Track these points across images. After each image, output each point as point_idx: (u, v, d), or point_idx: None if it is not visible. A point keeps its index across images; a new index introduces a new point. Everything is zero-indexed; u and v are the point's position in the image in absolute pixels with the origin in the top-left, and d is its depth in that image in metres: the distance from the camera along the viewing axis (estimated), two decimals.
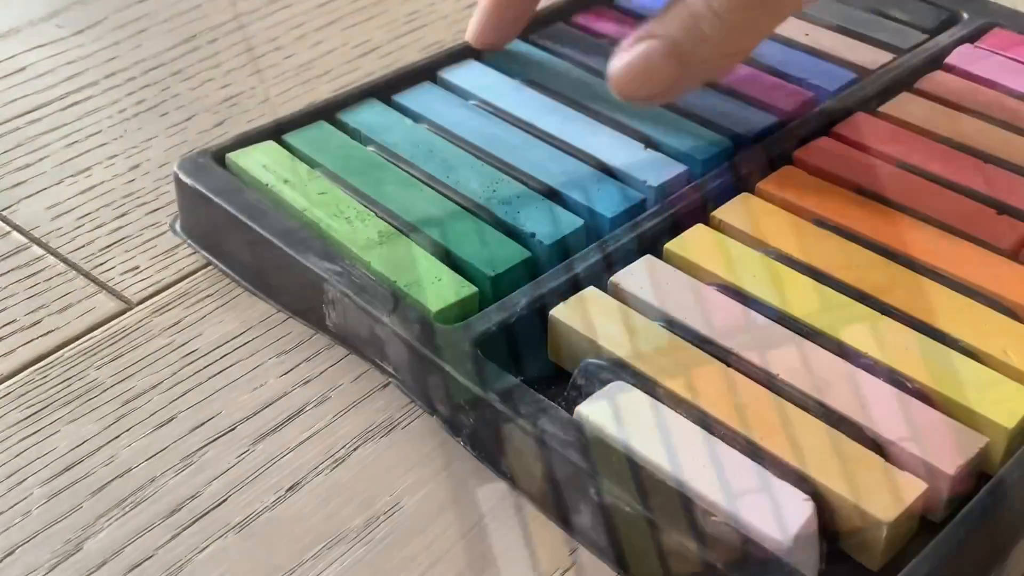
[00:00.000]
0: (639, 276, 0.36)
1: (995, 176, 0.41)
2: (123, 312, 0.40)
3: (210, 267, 0.41)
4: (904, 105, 0.45)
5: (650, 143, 0.43)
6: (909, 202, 0.40)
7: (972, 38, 0.50)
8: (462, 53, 0.48)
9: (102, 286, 0.41)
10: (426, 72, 0.47)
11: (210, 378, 0.37)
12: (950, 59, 0.48)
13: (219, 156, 0.42)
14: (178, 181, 0.41)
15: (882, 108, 0.45)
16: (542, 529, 0.32)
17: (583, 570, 0.31)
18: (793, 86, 0.47)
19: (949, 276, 0.36)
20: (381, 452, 0.34)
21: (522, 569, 0.31)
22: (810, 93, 0.46)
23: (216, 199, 0.40)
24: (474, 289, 0.36)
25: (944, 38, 0.50)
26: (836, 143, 0.43)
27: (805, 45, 0.50)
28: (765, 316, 0.35)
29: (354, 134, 0.44)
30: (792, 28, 0.51)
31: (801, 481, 0.29)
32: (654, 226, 0.38)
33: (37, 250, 0.42)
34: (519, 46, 0.49)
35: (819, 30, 0.51)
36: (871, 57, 0.49)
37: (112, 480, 0.33)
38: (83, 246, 0.43)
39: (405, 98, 0.46)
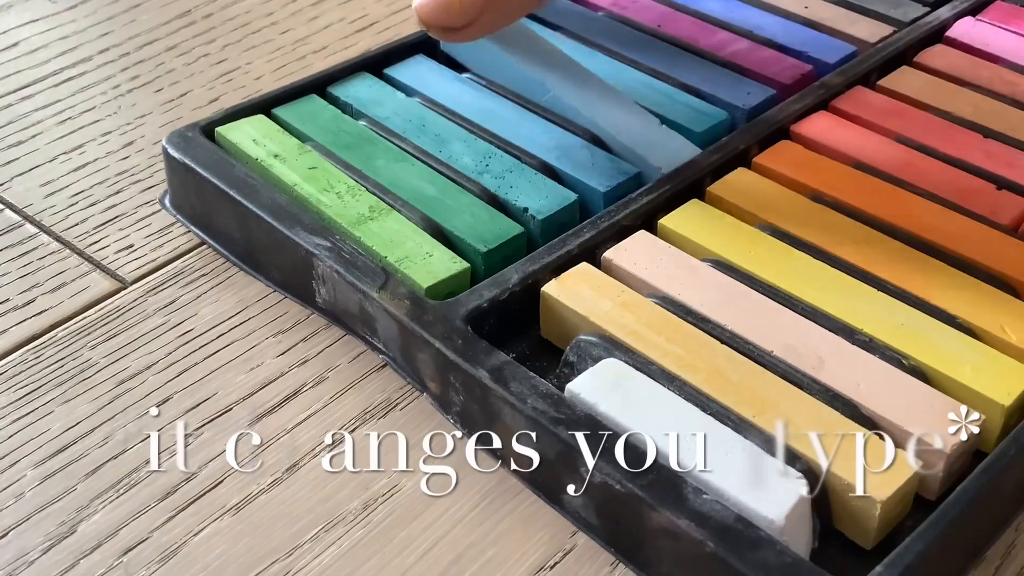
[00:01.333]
0: (633, 252, 0.36)
1: (996, 151, 0.41)
2: (117, 291, 0.39)
3: (204, 245, 0.41)
4: (904, 79, 0.45)
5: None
6: (908, 177, 0.39)
7: (974, 11, 0.49)
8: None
9: (96, 265, 0.41)
10: (419, 46, 0.47)
11: (205, 358, 0.37)
12: (951, 32, 0.48)
13: (208, 130, 0.41)
14: (167, 155, 0.41)
15: (882, 82, 0.45)
16: (541, 511, 0.32)
17: (582, 553, 0.31)
18: (792, 59, 0.46)
19: (947, 252, 0.36)
20: (379, 433, 0.34)
21: (522, 552, 0.31)
22: (809, 66, 0.46)
23: (205, 173, 0.39)
24: (465, 265, 0.36)
25: (945, 11, 0.49)
26: (835, 117, 0.43)
27: (804, 18, 0.49)
28: (759, 292, 0.34)
29: (345, 108, 0.43)
30: (791, 1, 0.50)
31: (794, 459, 0.29)
32: (649, 201, 0.38)
33: (30, 228, 0.42)
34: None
35: (819, 3, 0.50)
36: (871, 30, 0.48)
37: (106, 461, 0.33)
38: (77, 224, 0.42)
39: (397, 71, 0.45)
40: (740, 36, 0.48)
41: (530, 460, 0.32)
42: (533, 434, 0.31)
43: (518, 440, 0.32)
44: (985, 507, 0.29)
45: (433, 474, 0.33)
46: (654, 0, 0.50)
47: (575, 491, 0.30)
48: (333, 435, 0.34)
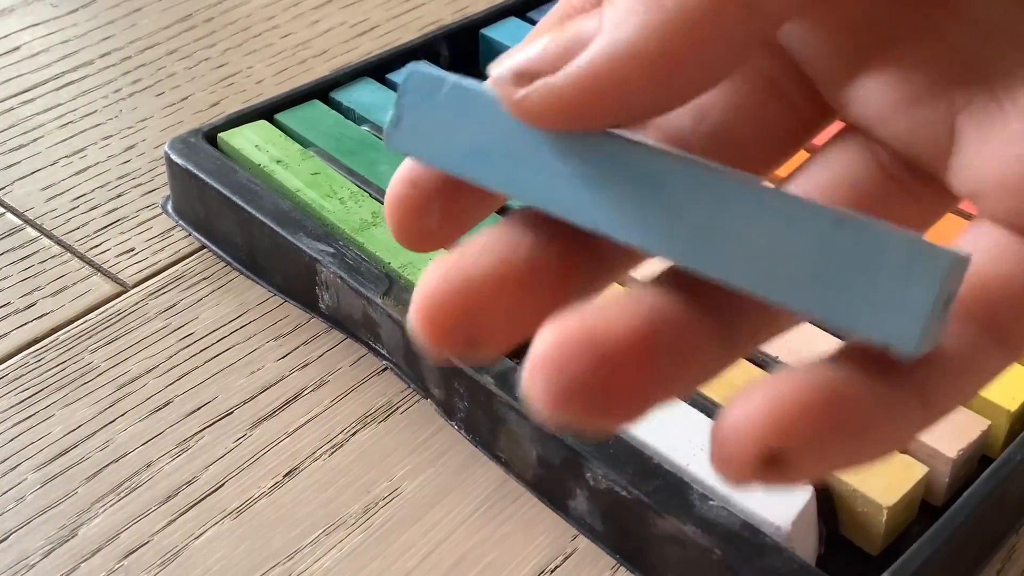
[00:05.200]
0: None
1: None
2: (118, 295, 0.39)
3: (205, 250, 0.41)
4: None
5: None
6: None
7: None
8: (461, 32, 0.48)
9: (97, 268, 0.40)
10: (422, 51, 0.46)
11: (206, 362, 0.37)
12: None
13: (211, 136, 0.41)
14: (169, 161, 0.41)
15: None
16: (542, 516, 0.32)
17: (583, 556, 0.31)
18: None
19: None
20: (380, 437, 0.34)
21: (523, 555, 0.31)
22: None
23: (207, 179, 0.39)
24: None
25: None
26: None
27: None
28: None
29: (348, 113, 0.43)
30: None
31: None
32: None
33: (31, 232, 0.42)
34: (519, 26, 0.48)
35: None
36: None
37: (107, 465, 0.33)
38: (78, 228, 0.42)
39: (399, 77, 0.45)
40: None
41: (533, 465, 0.32)
42: (538, 439, 0.31)
43: (522, 445, 0.32)
44: (991, 512, 0.29)
45: (434, 478, 0.33)
46: None
47: (580, 497, 0.30)
48: (334, 438, 0.34)
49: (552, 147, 0.15)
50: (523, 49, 0.15)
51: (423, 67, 0.16)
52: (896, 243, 0.13)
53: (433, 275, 0.15)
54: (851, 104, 0.17)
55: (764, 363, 0.32)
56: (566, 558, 0.31)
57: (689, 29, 0.14)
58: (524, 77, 0.14)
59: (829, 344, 0.33)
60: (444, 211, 0.16)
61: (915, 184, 0.17)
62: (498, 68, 0.15)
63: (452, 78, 0.16)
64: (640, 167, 0.14)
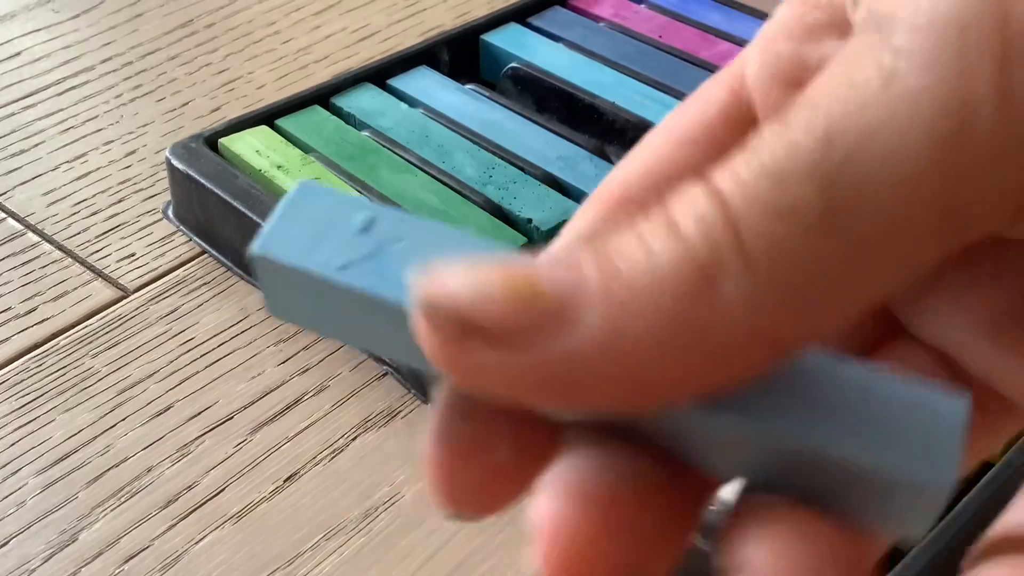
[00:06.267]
0: None
1: None
2: (119, 300, 0.39)
3: (206, 255, 0.41)
4: None
5: (648, 126, 0.42)
6: None
7: None
8: (461, 37, 0.48)
9: (98, 273, 0.41)
10: (422, 57, 0.47)
11: (207, 367, 0.37)
12: None
13: (212, 141, 0.41)
14: (170, 166, 0.41)
15: None
16: None
17: None
18: None
19: None
20: (380, 442, 0.34)
21: (522, 561, 0.31)
22: None
23: (208, 184, 0.39)
24: None
25: None
26: None
27: None
28: None
29: (348, 119, 0.43)
30: None
31: None
32: None
33: (32, 237, 0.42)
34: (519, 32, 0.48)
35: None
36: None
37: (108, 470, 0.33)
38: (79, 233, 0.42)
39: (400, 82, 0.45)
40: (741, 47, 0.48)
41: None
42: None
43: None
44: (991, 516, 0.29)
45: None
46: (655, 11, 0.50)
47: None
48: (334, 443, 0.34)
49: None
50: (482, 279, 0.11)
51: (265, 245, 0.14)
52: (915, 392, 0.13)
53: (562, 503, 0.11)
54: (925, 325, 0.15)
55: None
56: None
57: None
58: (473, 331, 0.11)
59: None
60: (516, 439, 0.12)
61: (992, 403, 0.15)
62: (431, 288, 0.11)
63: (296, 264, 0.13)
64: None
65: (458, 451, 0.12)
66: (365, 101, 0.44)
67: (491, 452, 0.12)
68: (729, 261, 0.11)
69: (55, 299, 0.39)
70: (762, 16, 0.50)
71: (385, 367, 0.36)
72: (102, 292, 0.40)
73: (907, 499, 0.13)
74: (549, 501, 0.11)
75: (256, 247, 0.14)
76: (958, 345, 0.15)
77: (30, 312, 0.39)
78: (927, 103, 0.11)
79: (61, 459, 0.34)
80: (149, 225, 0.43)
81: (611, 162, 0.41)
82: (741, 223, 0.11)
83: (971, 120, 0.11)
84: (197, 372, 0.36)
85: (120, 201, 0.44)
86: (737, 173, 0.11)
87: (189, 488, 0.33)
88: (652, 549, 0.12)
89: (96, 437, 0.34)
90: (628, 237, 0.11)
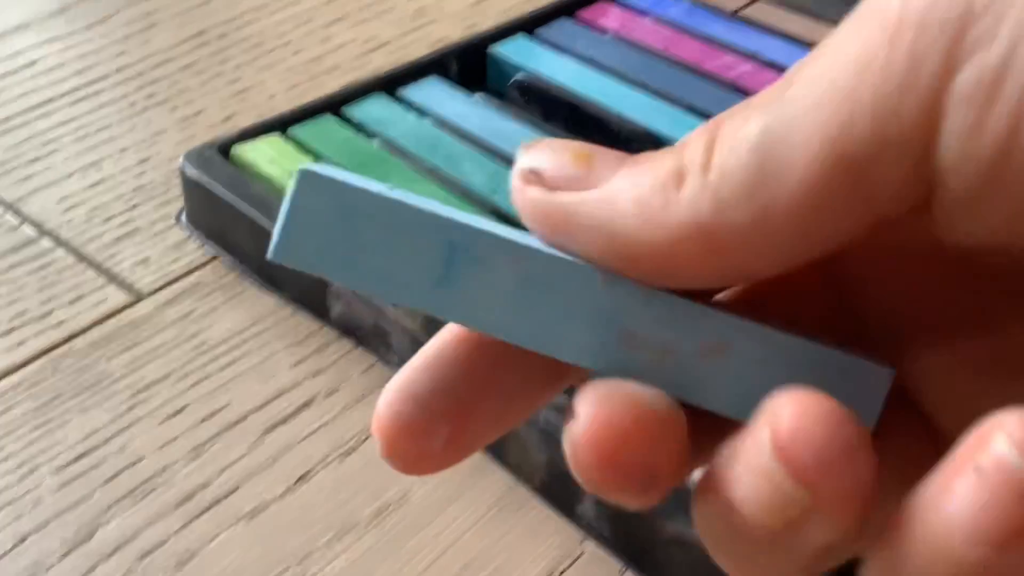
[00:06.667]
0: None
1: None
2: (133, 304, 0.40)
3: (219, 260, 0.42)
4: None
5: (653, 137, 0.43)
6: None
7: None
8: (469, 48, 0.49)
9: (112, 278, 0.41)
10: (432, 67, 0.47)
11: (220, 369, 0.37)
12: None
13: (225, 149, 0.42)
14: (184, 174, 0.42)
15: None
16: (550, 520, 0.32)
17: (590, 561, 0.31)
18: None
19: None
20: None
21: (530, 559, 0.31)
22: None
23: (222, 192, 0.40)
24: None
25: None
26: None
27: (808, 41, 0.50)
28: None
29: (359, 128, 0.44)
30: (795, 25, 0.51)
31: None
32: None
33: (48, 242, 0.43)
34: (527, 43, 0.49)
35: (822, 26, 0.51)
36: None
37: (123, 469, 0.34)
38: (94, 238, 0.43)
39: (411, 92, 0.46)
40: (745, 59, 0.48)
41: (542, 471, 0.32)
42: (546, 446, 0.32)
43: (531, 452, 0.32)
44: None
45: (443, 483, 0.33)
46: (661, 24, 0.51)
47: (587, 502, 0.31)
48: (345, 444, 0.35)
49: (475, 261, 0.14)
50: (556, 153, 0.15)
51: (317, 168, 0.14)
52: (843, 361, 0.15)
53: (604, 408, 0.14)
54: (907, 376, 0.16)
55: None
56: (573, 562, 0.31)
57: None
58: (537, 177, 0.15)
59: None
60: (452, 435, 0.15)
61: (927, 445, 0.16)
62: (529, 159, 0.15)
63: (349, 182, 0.14)
64: (566, 281, 0.15)
65: (401, 426, 0.15)
66: (376, 110, 0.45)
67: (429, 439, 0.15)
68: (694, 167, 0.14)
69: (71, 303, 0.40)
70: (766, 29, 0.51)
71: (395, 371, 0.37)
72: (117, 296, 0.40)
73: None
74: (590, 407, 0.14)
75: (308, 168, 0.14)
76: (932, 404, 0.16)
77: (46, 315, 0.40)
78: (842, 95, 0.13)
79: (77, 458, 0.34)
80: (163, 231, 0.43)
81: None
82: (715, 145, 0.14)
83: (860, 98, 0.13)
84: (210, 374, 0.37)
85: (134, 207, 0.45)
86: (735, 115, 0.14)
87: (203, 487, 0.33)
88: (671, 462, 0.14)
89: (112, 437, 0.35)
90: (655, 155, 0.15)
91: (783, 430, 0.13)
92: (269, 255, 0.14)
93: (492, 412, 0.16)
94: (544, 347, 0.15)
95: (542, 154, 0.15)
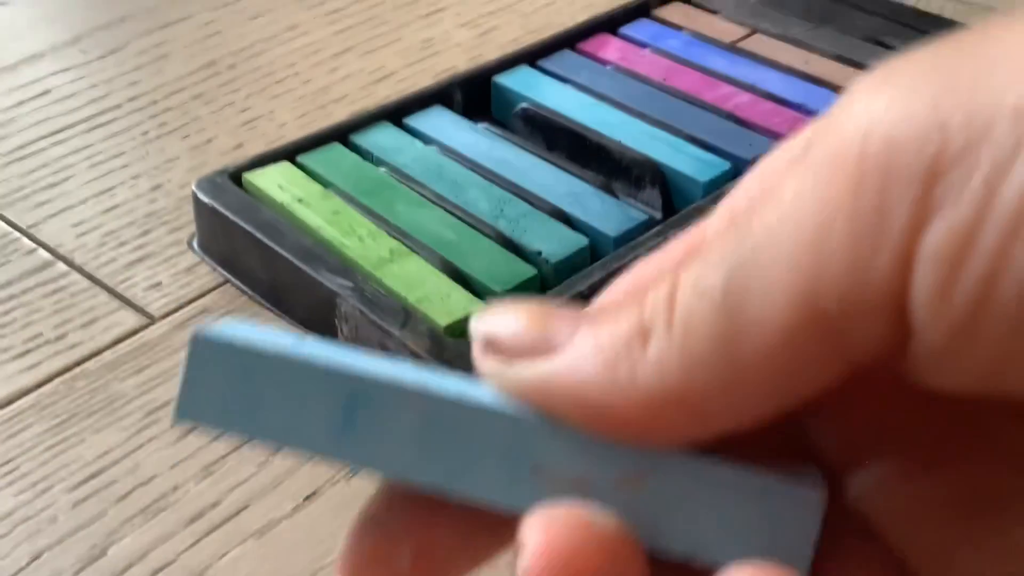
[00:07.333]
0: None
1: None
2: (146, 326, 0.41)
3: (229, 284, 0.43)
4: None
5: (653, 165, 0.44)
6: None
7: None
8: (473, 79, 0.50)
9: (125, 302, 0.42)
10: (437, 97, 0.49)
11: None
12: None
13: (236, 176, 0.43)
14: (196, 200, 0.43)
15: None
16: None
17: None
18: (792, 112, 0.48)
19: None
20: None
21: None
22: (809, 119, 0.47)
23: (233, 217, 0.41)
24: (483, 305, 0.38)
25: None
26: None
27: (804, 73, 0.51)
28: None
29: (367, 155, 0.45)
30: (792, 56, 0.52)
31: None
32: (657, 245, 0.40)
33: (62, 267, 0.44)
34: (530, 74, 0.50)
35: (818, 59, 0.52)
36: None
37: (136, 488, 0.35)
38: (107, 263, 0.44)
39: (416, 121, 0.47)
40: (743, 89, 0.50)
41: None
42: None
43: None
44: None
45: None
46: (660, 55, 0.53)
47: None
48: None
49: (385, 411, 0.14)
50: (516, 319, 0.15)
51: (208, 329, 0.15)
52: (771, 489, 0.14)
53: (551, 533, 0.14)
54: (871, 509, 0.16)
55: None
56: None
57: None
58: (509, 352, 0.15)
59: None
60: (418, 552, 0.15)
61: None
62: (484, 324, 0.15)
63: (241, 343, 0.14)
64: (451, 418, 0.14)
65: (364, 552, 0.15)
66: (382, 138, 0.46)
67: (393, 561, 0.15)
68: (658, 324, 0.14)
69: (84, 326, 0.41)
70: (762, 61, 0.52)
71: None
72: (129, 319, 0.42)
73: None
74: (537, 534, 0.14)
75: (200, 333, 0.14)
76: (881, 522, 0.15)
77: (60, 338, 0.41)
78: (810, 224, 0.13)
79: (91, 477, 0.35)
80: (175, 256, 0.44)
81: (617, 198, 0.43)
82: (677, 298, 0.14)
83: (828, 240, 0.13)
84: None
85: (146, 233, 0.46)
86: (692, 263, 0.14)
87: (213, 506, 0.34)
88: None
89: (124, 457, 0.36)
90: (613, 310, 0.14)
91: None
92: (172, 419, 0.15)
93: (456, 532, 0.15)
94: (452, 489, 0.14)
95: (497, 321, 0.15)
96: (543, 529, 0.14)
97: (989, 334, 0.12)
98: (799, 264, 0.13)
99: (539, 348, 0.14)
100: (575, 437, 0.14)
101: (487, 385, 0.15)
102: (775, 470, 0.14)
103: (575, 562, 0.13)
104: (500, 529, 0.15)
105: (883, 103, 0.12)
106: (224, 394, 0.14)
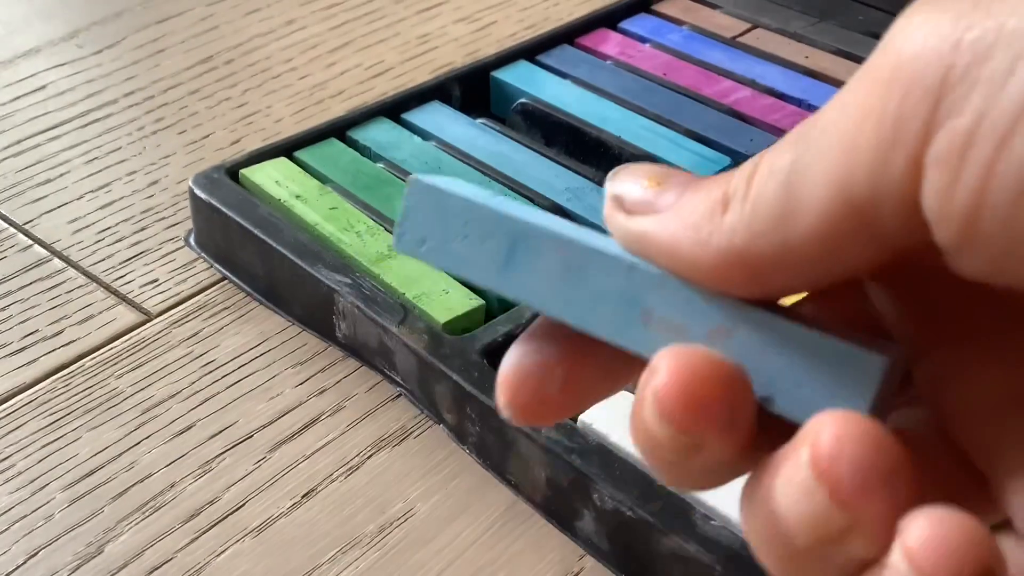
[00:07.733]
0: None
1: None
2: (142, 323, 0.41)
3: (226, 281, 0.43)
4: None
5: (652, 160, 0.44)
6: None
7: None
8: (471, 74, 0.50)
9: (122, 298, 0.42)
10: (435, 92, 0.48)
11: (227, 387, 0.38)
12: None
13: (233, 172, 0.43)
14: (193, 196, 0.43)
15: None
16: (550, 536, 0.33)
17: (590, 575, 0.32)
18: (792, 107, 0.48)
19: None
20: (394, 460, 0.35)
21: (532, 574, 0.32)
22: (809, 114, 0.47)
23: (230, 213, 0.41)
24: (481, 301, 0.37)
25: None
26: None
27: (804, 67, 0.51)
28: None
29: (364, 151, 0.45)
30: (792, 51, 0.52)
31: None
32: None
33: (58, 263, 0.44)
34: (528, 69, 0.50)
35: (819, 53, 0.52)
36: None
37: (132, 485, 0.35)
38: (103, 259, 0.44)
39: (414, 116, 0.47)
40: (742, 84, 0.49)
41: (542, 487, 0.33)
42: (547, 462, 0.32)
43: (531, 468, 0.33)
44: None
45: (446, 499, 0.34)
46: (659, 50, 0.52)
47: (587, 518, 0.32)
48: (350, 461, 0.35)
49: (562, 258, 0.17)
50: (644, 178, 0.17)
51: (423, 177, 0.18)
52: (838, 348, 0.16)
53: (684, 360, 0.16)
54: (922, 381, 0.17)
55: None
56: None
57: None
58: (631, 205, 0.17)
59: None
60: (568, 377, 0.18)
61: (970, 487, 0.16)
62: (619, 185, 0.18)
63: (452, 189, 0.18)
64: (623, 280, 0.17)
65: (522, 370, 0.18)
66: (380, 134, 0.46)
67: (546, 382, 0.17)
68: (737, 196, 0.16)
69: (81, 322, 0.41)
70: (762, 55, 0.52)
71: (399, 388, 0.38)
72: (126, 316, 0.41)
73: None
74: (671, 361, 0.16)
75: (414, 177, 0.18)
76: (948, 412, 0.17)
77: (57, 335, 0.40)
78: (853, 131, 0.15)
79: (87, 475, 0.35)
80: (171, 252, 0.44)
81: None
82: (755, 177, 0.16)
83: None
84: (218, 393, 0.38)
85: (143, 229, 0.45)
86: (775, 149, 0.16)
87: (211, 503, 0.34)
88: (746, 407, 0.16)
89: (121, 454, 0.36)
90: (712, 180, 0.17)
91: (823, 452, 0.14)
92: (393, 246, 0.18)
93: (599, 366, 0.17)
94: (581, 323, 0.17)
95: (623, 180, 0.18)
96: (676, 357, 0.16)
97: (987, 230, 0.14)
98: (838, 158, 0.15)
99: (651, 206, 0.17)
100: (678, 288, 0.17)
101: (615, 240, 0.17)
102: (856, 338, 0.16)
103: (703, 387, 0.15)
104: (636, 368, 0.17)
105: (919, 22, 0.14)
106: (428, 229, 0.18)
